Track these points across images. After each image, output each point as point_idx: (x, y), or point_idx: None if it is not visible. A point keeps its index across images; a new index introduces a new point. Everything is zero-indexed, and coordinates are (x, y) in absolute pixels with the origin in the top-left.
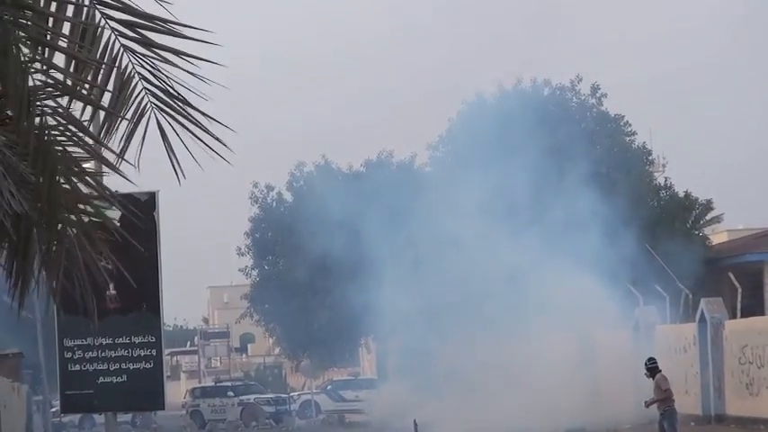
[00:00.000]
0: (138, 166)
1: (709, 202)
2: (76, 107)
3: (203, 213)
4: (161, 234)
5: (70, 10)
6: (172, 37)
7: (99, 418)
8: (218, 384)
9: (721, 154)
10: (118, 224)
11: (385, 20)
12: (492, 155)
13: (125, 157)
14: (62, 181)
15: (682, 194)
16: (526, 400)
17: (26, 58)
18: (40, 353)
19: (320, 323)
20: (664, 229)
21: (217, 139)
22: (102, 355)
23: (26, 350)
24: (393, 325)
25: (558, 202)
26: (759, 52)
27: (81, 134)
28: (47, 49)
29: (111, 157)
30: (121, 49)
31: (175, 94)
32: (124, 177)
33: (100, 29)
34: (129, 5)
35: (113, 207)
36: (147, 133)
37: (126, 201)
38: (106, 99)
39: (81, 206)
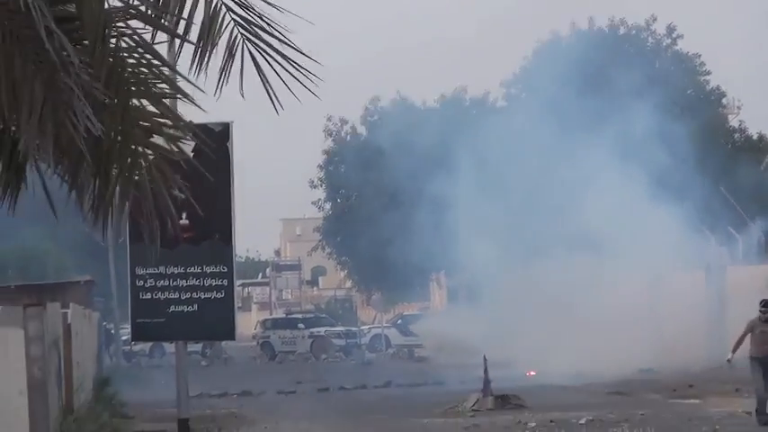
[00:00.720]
0: (218, 94)
1: None
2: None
3: (278, 145)
4: (234, 165)
5: None
6: None
7: (169, 347)
8: (288, 316)
9: None
10: (191, 154)
11: None
12: (566, 93)
13: (201, 88)
14: (137, 103)
15: (755, 137)
16: (595, 340)
17: None
18: (112, 281)
19: (392, 257)
20: (737, 170)
21: (306, 72)
22: (174, 284)
23: (98, 278)
24: (465, 260)
25: (631, 143)
26: None
27: (157, 62)
28: None
29: (187, 88)
30: None
31: (266, 26)
32: (198, 107)
33: None
34: None
35: (188, 137)
36: (226, 65)
37: (200, 131)
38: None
39: (155, 134)
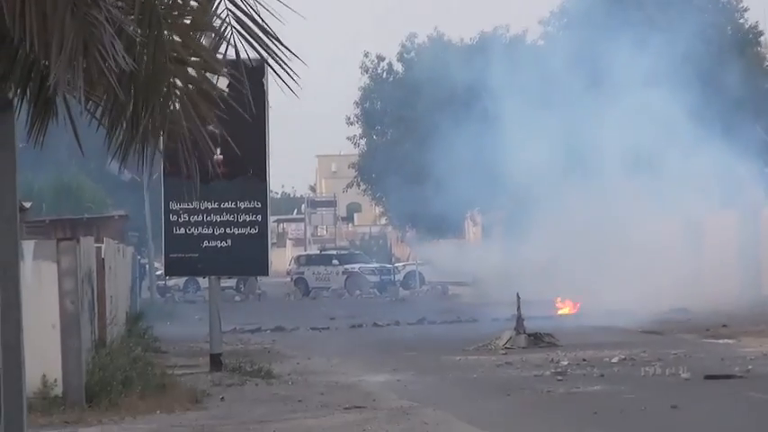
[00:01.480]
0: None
1: None
2: None
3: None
4: (269, 101)
5: None
6: None
7: (203, 282)
8: (323, 252)
9: None
10: (226, 89)
11: None
12: (604, 32)
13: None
14: (169, 36)
15: None
16: (630, 279)
17: None
18: (147, 216)
19: (427, 194)
20: None
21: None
22: (208, 219)
23: (132, 213)
24: (501, 198)
25: (669, 83)
26: None
27: None
28: None
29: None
30: None
31: None
32: (231, 45)
33: None
34: None
35: (224, 71)
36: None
37: (234, 67)
38: None
39: (189, 69)
